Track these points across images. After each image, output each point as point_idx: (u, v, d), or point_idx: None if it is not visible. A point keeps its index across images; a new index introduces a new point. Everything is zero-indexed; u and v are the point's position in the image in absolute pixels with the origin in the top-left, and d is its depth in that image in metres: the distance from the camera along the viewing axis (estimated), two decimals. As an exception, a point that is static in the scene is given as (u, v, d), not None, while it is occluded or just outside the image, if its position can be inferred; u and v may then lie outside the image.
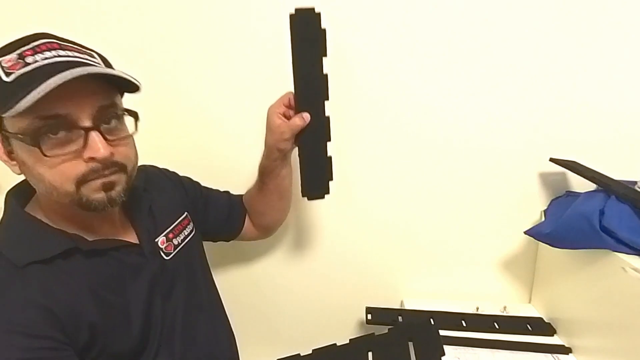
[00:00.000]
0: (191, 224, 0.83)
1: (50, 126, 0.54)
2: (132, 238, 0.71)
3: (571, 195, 1.00)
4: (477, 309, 1.08)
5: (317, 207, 1.09)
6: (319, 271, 1.14)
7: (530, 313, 1.08)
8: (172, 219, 0.79)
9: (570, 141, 1.01)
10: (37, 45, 0.54)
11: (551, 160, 0.99)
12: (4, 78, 0.52)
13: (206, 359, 0.77)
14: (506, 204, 1.07)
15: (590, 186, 0.95)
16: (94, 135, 0.56)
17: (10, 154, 0.58)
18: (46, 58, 0.53)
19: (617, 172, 0.94)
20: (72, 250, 0.61)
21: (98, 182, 0.58)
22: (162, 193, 0.81)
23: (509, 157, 1.03)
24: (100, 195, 0.59)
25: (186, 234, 0.81)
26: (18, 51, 0.53)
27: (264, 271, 1.15)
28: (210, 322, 0.82)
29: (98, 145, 0.56)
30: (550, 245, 0.92)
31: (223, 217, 0.93)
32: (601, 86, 0.98)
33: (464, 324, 1.02)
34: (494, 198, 1.06)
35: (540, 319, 1.04)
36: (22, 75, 0.52)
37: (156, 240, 0.74)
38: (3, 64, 0.53)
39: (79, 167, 0.57)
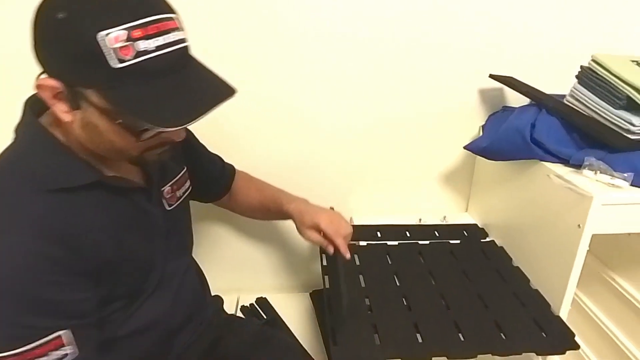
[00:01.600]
0: (189, 180, 0.83)
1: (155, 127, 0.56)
2: (141, 182, 0.70)
3: (507, 110, 1.05)
4: (420, 220, 1.16)
5: (270, 131, 1.08)
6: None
7: (467, 221, 1.18)
8: (177, 171, 0.79)
9: (508, 58, 1.05)
10: (147, 24, 0.51)
11: (490, 76, 1.02)
12: (112, 65, 0.50)
13: (190, 304, 0.80)
14: (446, 121, 1.11)
15: (525, 101, 1.00)
16: None
17: (70, 108, 0.55)
18: (158, 48, 0.52)
19: (549, 86, 1.00)
20: (95, 183, 0.60)
21: (159, 150, 0.63)
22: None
23: (449, 74, 1.06)
24: (156, 158, 0.63)
25: (186, 187, 0.81)
26: (125, 26, 0.50)
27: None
28: (193, 269, 0.85)
29: (180, 131, 0.60)
30: (487, 158, 0.98)
31: (211, 182, 0.93)
32: (537, 5, 1.00)
33: (408, 235, 1.10)
34: (435, 115, 1.10)
35: (475, 225, 1.15)
36: (137, 66, 0.51)
37: (162, 189, 0.74)
38: (112, 45, 0.49)
39: (151, 142, 0.59)
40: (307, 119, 1.07)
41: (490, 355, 0.79)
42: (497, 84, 1.03)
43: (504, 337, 0.79)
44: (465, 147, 1.02)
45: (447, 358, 0.75)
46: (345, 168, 1.14)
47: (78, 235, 0.57)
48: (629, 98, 0.81)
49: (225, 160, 0.96)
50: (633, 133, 0.81)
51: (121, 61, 0.50)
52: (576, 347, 0.78)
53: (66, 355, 0.57)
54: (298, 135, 1.09)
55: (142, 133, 0.57)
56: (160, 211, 0.72)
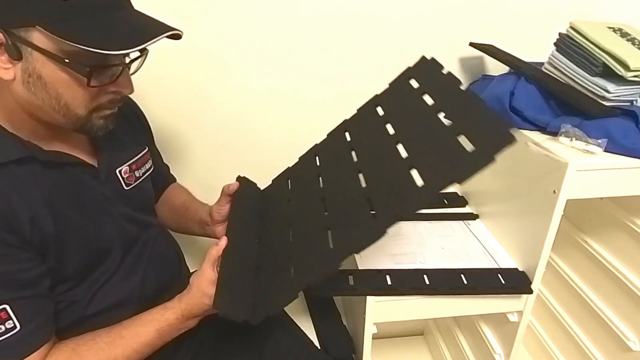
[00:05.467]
0: (150, 160, 0.83)
1: (106, 65, 0.57)
2: (90, 160, 0.68)
3: (487, 78, 1.05)
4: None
5: (256, 114, 1.06)
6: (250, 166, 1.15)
7: (447, 190, 1.19)
8: (136, 151, 0.78)
9: (488, 26, 1.04)
10: None
11: (471, 44, 1.02)
12: None
13: (163, 277, 0.80)
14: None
15: (505, 69, 1.01)
16: (127, 72, 0.60)
17: (10, 60, 0.53)
18: None
19: (530, 54, 1.00)
20: (27, 158, 0.58)
21: (108, 112, 0.62)
22: (128, 123, 0.79)
23: (429, 42, 1.05)
24: (102, 122, 0.62)
25: (147, 167, 0.80)
26: None
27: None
28: (162, 243, 0.84)
29: (129, 82, 0.60)
30: (466, 127, 0.99)
31: (156, 186, 0.89)
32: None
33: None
34: (418, 85, 1.10)
35: (455, 193, 1.17)
36: (81, 2, 0.52)
37: (119, 169, 0.72)
38: None
39: (101, 96, 0.59)
40: (279, 89, 1.06)
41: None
42: (478, 52, 1.03)
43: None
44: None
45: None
46: (322, 135, 1.14)
47: (14, 210, 0.56)
48: (604, 65, 0.82)
49: (190, 128, 0.98)
50: (608, 100, 0.83)
51: None
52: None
53: (14, 327, 0.56)
54: (269, 107, 1.08)
55: (91, 75, 0.55)
56: (111, 190, 0.70)
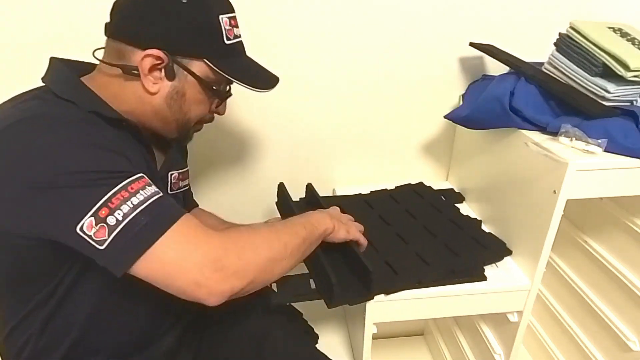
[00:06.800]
0: (189, 179, 0.88)
1: (229, 94, 0.75)
2: (153, 162, 0.74)
3: (487, 78, 1.05)
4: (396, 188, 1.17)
5: (257, 107, 1.06)
6: (257, 166, 1.15)
7: (444, 187, 1.20)
8: (183, 165, 0.85)
9: (488, 26, 1.04)
10: (234, 16, 0.69)
11: (471, 44, 1.02)
12: (225, 41, 0.67)
13: None
14: (427, 90, 1.11)
15: (505, 69, 1.01)
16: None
17: (162, 78, 0.66)
18: (239, 35, 0.71)
19: (530, 54, 1.00)
20: (125, 125, 0.66)
21: (200, 127, 0.77)
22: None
23: (429, 42, 1.05)
24: (191, 134, 0.77)
25: (186, 183, 0.86)
26: (229, 15, 0.68)
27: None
28: None
29: (225, 107, 0.77)
30: (467, 127, 0.99)
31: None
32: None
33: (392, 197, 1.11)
34: (415, 84, 1.10)
35: (452, 189, 1.17)
36: (234, 46, 0.70)
37: (171, 173, 0.79)
38: (225, 25, 0.67)
39: (206, 116, 0.75)
40: (283, 90, 1.05)
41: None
42: (478, 53, 1.03)
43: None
44: (445, 117, 1.03)
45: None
46: (325, 138, 1.14)
47: (119, 147, 0.61)
48: (604, 65, 0.82)
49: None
50: (608, 100, 0.83)
51: (228, 39, 0.67)
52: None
53: (157, 192, 0.58)
54: (275, 107, 1.08)
55: (225, 98, 0.74)
56: (161, 187, 0.71)
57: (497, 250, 0.93)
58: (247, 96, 1.03)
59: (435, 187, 1.17)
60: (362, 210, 1.04)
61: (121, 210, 0.54)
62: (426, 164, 1.23)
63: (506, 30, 1.05)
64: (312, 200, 1.00)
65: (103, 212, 0.53)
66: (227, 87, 0.73)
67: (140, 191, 0.56)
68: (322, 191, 1.16)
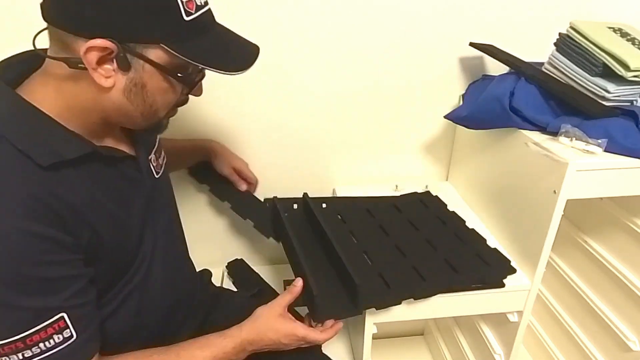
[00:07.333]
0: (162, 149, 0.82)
1: (202, 76, 0.63)
2: (130, 150, 0.68)
3: (487, 78, 1.05)
4: (396, 187, 1.17)
5: (257, 106, 1.07)
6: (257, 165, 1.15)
7: (447, 189, 1.20)
8: (155, 138, 0.77)
9: (488, 26, 1.04)
10: None
11: (471, 44, 1.02)
12: (185, 17, 0.54)
13: (177, 277, 0.79)
14: (427, 90, 1.11)
15: (505, 69, 1.00)
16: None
17: (115, 70, 0.54)
18: (204, 3, 0.57)
19: (530, 54, 1.00)
20: (88, 155, 0.58)
21: (175, 112, 0.66)
22: None
23: (429, 42, 1.05)
24: (166, 121, 0.66)
25: (163, 155, 0.79)
26: None
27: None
28: (180, 243, 0.83)
29: (201, 87, 0.65)
30: (467, 127, 0.99)
31: None
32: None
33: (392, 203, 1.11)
34: (415, 84, 1.10)
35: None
36: (196, 21, 0.55)
37: (149, 157, 0.72)
38: None
39: (178, 100, 0.63)
40: (284, 89, 1.06)
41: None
42: (478, 52, 1.03)
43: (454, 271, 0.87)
44: (445, 117, 1.03)
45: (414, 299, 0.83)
46: (325, 138, 1.14)
47: (72, 213, 0.55)
48: (604, 65, 0.82)
49: (195, 129, 1.00)
50: (608, 100, 0.83)
51: (188, 14, 0.54)
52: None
53: (71, 337, 0.54)
54: (275, 106, 1.08)
55: (195, 85, 0.62)
56: (151, 180, 0.70)
57: (501, 268, 0.90)
58: (246, 94, 1.05)
59: (438, 191, 1.17)
60: (362, 219, 1.03)
61: None
62: (426, 164, 1.23)
63: (506, 30, 1.05)
64: (307, 210, 0.97)
65: None
66: (198, 70, 0.62)
67: (54, 335, 0.52)
68: (322, 191, 1.17)
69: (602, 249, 1.00)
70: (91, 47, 0.50)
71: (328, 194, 1.20)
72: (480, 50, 1.02)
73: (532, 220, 0.86)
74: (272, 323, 0.71)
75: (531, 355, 1.22)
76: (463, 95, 1.09)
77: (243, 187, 1.05)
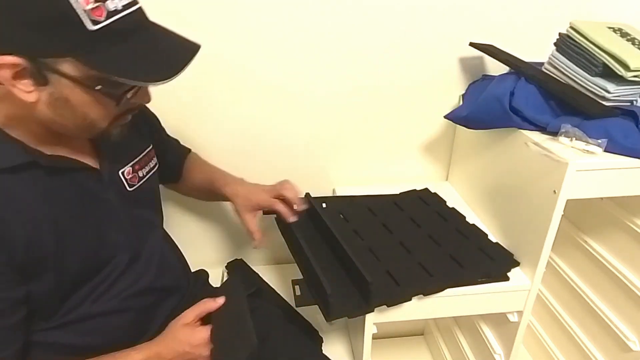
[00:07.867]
0: (155, 157, 0.82)
1: (133, 86, 0.57)
2: (92, 162, 0.67)
3: (487, 78, 1.05)
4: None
5: (257, 106, 1.06)
6: (256, 166, 1.15)
7: (447, 189, 1.20)
8: (140, 149, 0.77)
9: (488, 26, 1.04)
10: None
11: (471, 44, 1.02)
12: (89, 27, 0.50)
13: (170, 277, 0.80)
14: (427, 90, 1.11)
15: (505, 69, 1.00)
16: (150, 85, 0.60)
17: (34, 85, 0.52)
18: (125, 7, 0.52)
19: (530, 54, 1.00)
20: (29, 164, 0.56)
21: (125, 121, 0.63)
22: (131, 123, 0.76)
23: (429, 42, 1.05)
24: (119, 130, 0.63)
25: (151, 166, 0.79)
26: None
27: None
28: (167, 244, 0.84)
29: (148, 93, 0.61)
30: (467, 127, 0.99)
31: (166, 167, 0.88)
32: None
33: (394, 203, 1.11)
34: (415, 84, 1.10)
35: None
36: (109, 28, 0.51)
37: (121, 170, 0.71)
38: (84, 6, 0.49)
39: (121, 108, 0.59)
40: (283, 89, 1.06)
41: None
42: (478, 52, 1.03)
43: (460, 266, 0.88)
44: (445, 117, 1.03)
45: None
46: (325, 138, 1.14)
47: (9, 226, 0.53)
48: (604, 65, 0.82)
49: (196, 131, 0.96)
50: (608, 100, 0.83)
51: (95, 23, 0.50)
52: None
53: None
54: (274, 106, 1.08)
55: (122, 97, 0.56)
56: (115, 193, 0.69)
57: (504, 262, 0.91)
58: (246, 94, 1.05)
59: (436, 191, 1.17)
60: (364, 217, 1.03)
61: None
62: (426, 164, 1.23)
63: (506, 30, 1.05)
64: (311, 210, 0.97)
65: None
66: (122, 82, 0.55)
67: None
68: (322, 191, 1.17)
69: (602, 249, 1.00)
70: (1, 65, 0.50)
71: (328, 194, 1.20)
72: (480, 50, 1.02)
73: (532, 220, 0.86)
74: (175, 333, 0.69)
75: (531, 355, 1.22)
76: (463, 95, 1.09)
77: (291, 219, 0.90)
